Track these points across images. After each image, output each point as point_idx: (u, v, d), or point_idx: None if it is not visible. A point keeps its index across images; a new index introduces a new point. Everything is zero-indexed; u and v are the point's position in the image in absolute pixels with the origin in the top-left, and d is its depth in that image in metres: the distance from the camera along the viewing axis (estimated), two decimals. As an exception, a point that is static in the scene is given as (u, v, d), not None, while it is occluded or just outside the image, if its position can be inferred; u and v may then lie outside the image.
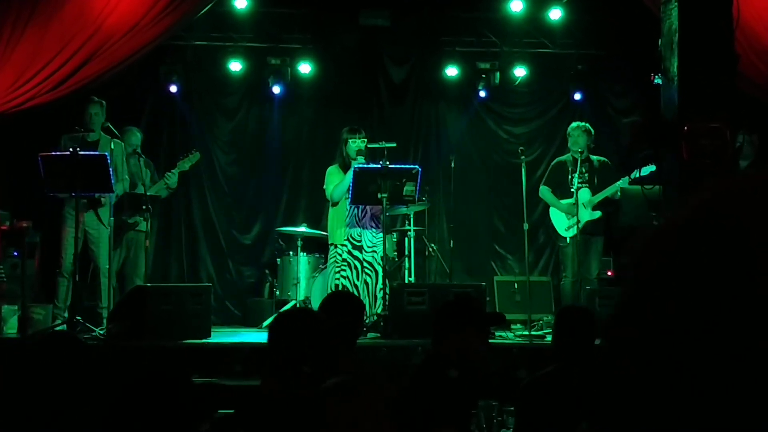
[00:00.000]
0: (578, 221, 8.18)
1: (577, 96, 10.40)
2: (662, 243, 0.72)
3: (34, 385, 2.71)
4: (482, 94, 10.34)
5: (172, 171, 8.41)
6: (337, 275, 7.93)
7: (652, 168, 7.19)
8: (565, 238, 8.43)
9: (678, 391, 0.67)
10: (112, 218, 7.74)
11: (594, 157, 8.53)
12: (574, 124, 8.63)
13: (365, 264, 7.96)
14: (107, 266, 7.76)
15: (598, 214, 8.35)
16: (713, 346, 0.66)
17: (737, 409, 0.65)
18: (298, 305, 8.72)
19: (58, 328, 7.18)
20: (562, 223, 8.44)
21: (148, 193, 8.00)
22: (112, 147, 7.74)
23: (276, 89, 10.03)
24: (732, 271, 0.65)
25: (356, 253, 7.95)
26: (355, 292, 7.73)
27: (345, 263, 7.94)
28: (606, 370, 0.75)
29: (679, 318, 0.67)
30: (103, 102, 7.89)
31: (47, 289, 8.07)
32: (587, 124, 8.60)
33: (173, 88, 9.91)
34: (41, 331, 7.02)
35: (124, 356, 6.28)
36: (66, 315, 7.38)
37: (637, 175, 7.58)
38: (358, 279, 7.92)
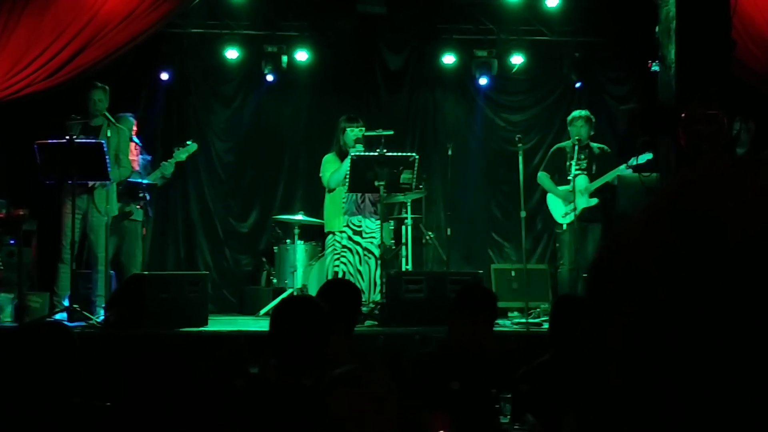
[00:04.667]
0: (575, 208, 8.17)
1: (575, 83, 10.38)
2: (637, 236, 0.71)
3: (26, 373, 2.71)
4: (483, 81, 10.31)
5: (169, 161, 8.36)
6: (337, 261, 7.95)
7: (649, 156, 7.18)
8: (562, 225, 8.41)
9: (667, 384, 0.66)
10: (116, 206, 7.68)
11: (594, 144, 8.50)
12: (576, 113, 8.54)
13: (364, 250, 7.98)
14: (103, 255, 7.71)
15: (595, 201, 8.33)
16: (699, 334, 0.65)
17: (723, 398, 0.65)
18: (295, 293, 8.73)
19: (57, 317, 7.16)
20: (559, 210, 8.43)
21: (144, 182, 7.97)
22: (108, 134, 7.65)
23: (272, 77, 10.01)
24: (709, 258, 0.65)
25: (357, 238, 7.98)
26: (357, 277, 7.78)
27: (346, 249, 7.96)
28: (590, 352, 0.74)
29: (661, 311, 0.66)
30: (107, 87, 7.73)
31: (44, 277, 8.04)
32: (588, 112, 8.55)
33: (169, 76, 9.88)
34: (35, 320, 6.99)
35: (122, 344, 6.28)
36: (66, 303, 7.35)
37: (635, 163, 7.57)
38: (360, 264, 7.95)
